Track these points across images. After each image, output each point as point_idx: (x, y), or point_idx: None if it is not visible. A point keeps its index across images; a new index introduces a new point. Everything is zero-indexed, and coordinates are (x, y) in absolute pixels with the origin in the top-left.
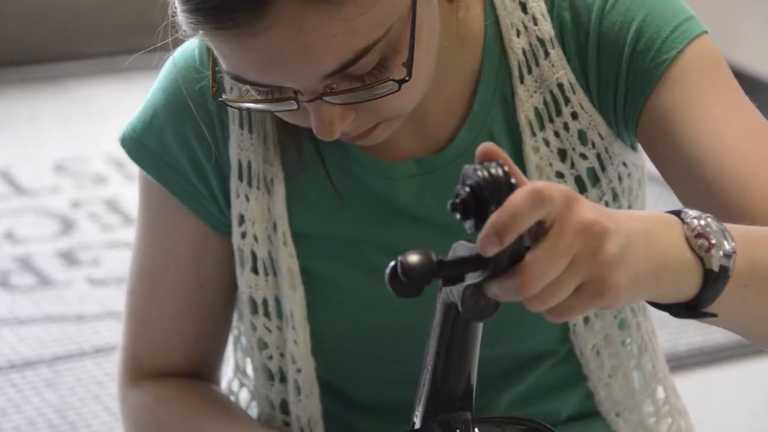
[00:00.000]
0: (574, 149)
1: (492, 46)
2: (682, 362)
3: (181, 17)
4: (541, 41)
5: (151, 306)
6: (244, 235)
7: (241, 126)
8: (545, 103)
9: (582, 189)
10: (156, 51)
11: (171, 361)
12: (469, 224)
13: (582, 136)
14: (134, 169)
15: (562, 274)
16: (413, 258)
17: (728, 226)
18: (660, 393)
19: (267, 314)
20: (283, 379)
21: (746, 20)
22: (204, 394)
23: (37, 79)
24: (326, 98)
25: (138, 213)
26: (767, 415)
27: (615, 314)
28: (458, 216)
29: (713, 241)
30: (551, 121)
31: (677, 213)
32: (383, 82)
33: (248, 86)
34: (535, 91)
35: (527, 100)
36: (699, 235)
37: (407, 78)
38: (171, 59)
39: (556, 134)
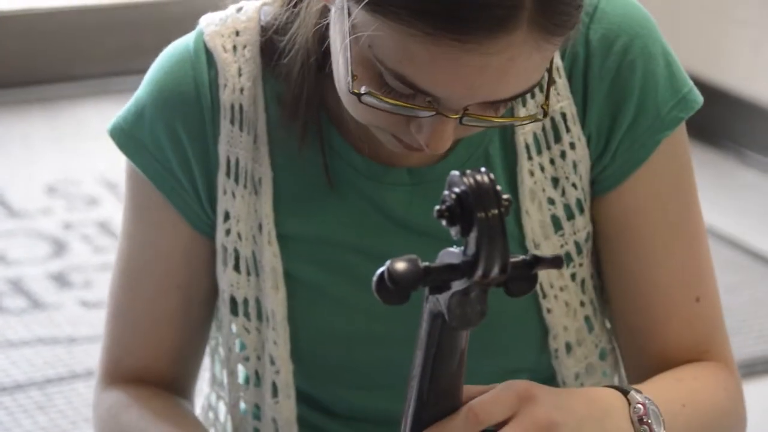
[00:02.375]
0: (567, 178)
1: None
2: None
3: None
4: (547, 69)
5: (132, 307)
6: (228, 232)
7: (232, 123)
8: (544, 129)
9: (570, 216)
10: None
11: (149, 365)
12: (455, 230)
13: (575, 167)
14: (125, 172)
15: None
16: (400, 265)
17: (654, 398)
18: None
19: (247, 314)
20: (258, 383)
21: (737, 44)
22: (167, 405)
23: (30, 100)
24: (465, 120)
25: (124, 208)
26: None
27: (596, 343)
28: (444, 222)
29: (654, 429)
30: (548, 147)
31: (625, 392)
32: (527, 119)
33: (386, 83)
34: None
35: (527, 125)
36: (642, 422)
37: (544, 117)
38: (163, 54)
39: (552, 161)
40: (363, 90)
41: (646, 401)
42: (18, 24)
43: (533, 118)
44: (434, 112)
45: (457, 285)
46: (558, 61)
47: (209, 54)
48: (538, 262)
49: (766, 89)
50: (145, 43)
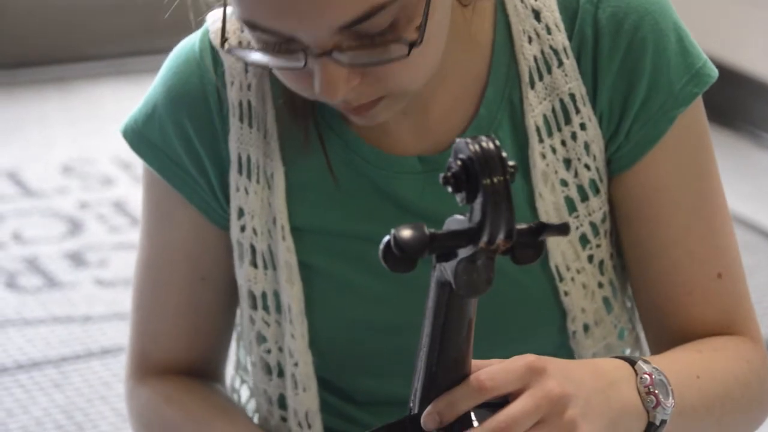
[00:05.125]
0: (579, 159)
1: (501, 50)
2: None
3: None
4: (555, 50)
5: (156, 300)
6: (243, 229)
7: (241, 120)
8: (554, 111)
9: (584, 198)
10: (164, 54)
11: (176, 355)
12: (460, 197)
13: (587, 147)
14: (141, 170)
15: (535, 428)
16: (406, 232)
17: (667, 369)
18: None
19: (266, 308)
20: (281, 374)
21: (750, 25)
22: (207, 396)
23: (46, 80)
24: (335, 54)
25: (142, 207)
26: None
27: (615, 323)
28: (450, 189)
29: (660, 399)
30: (559, 129)
31: (632, 363)
32: (394, 42)
33: (257, 36)
34: (545, 98)
35: (537, 106)
36: (649, 393)
37: (419, 42)
38: (172, 53)
39: (563, 143)
40: (227, 47)
41: (654, 371)
42: (34, 3)
43: (399, 38)
44: (300, 53)
45: (464, 252)
46: (565, 41)
47: (215, 52)
48: (544, 228)
49: None
50: (161, 22)
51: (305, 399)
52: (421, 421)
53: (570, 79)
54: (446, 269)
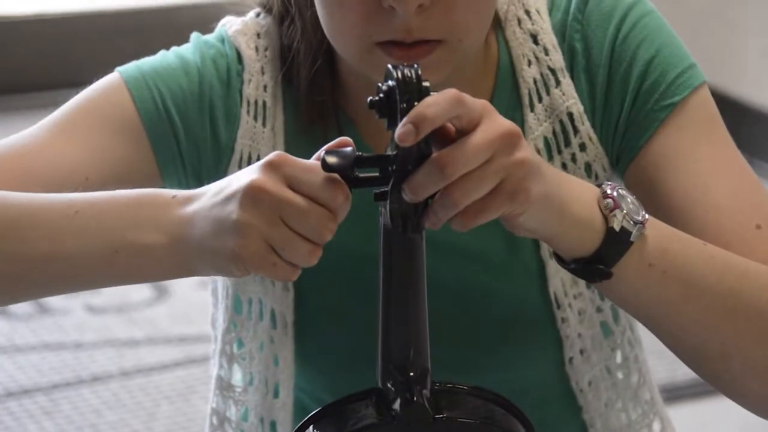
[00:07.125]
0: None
1: (505, 75)
2: (679, 393)
3: None
4: (553, 71)
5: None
6: None
7: (255, 118)
8: (554, 132)
9: None
10: None
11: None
12: (385, 122)
13: (588, 169)
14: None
15: (482, 167)
16: (333, 155)
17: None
18: (656, 425)
19: (250, 313)
20: (252, 382)
21: (745, 52)
22: None
23: (40, 106)
24: None
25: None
26: None
27: (612, 347)
28: (376, 114)
29: (620, 205)
30: (560, 152)
31: (599, 185)
32: None
33: None
34: (545, 120)
35: (537, 128)
36: (607, 197)
37: None
38: (200, 38)
39: (564, 166)
40: None
41: (620, 187)
42: (28, 29)
43: None
44: None
45: (393, 183)
46: (561, 60)
47: (236, 51)
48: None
49: None
50: (154, 48)
51: (285, 408)
52: (397, 137)
53: (567, 98)
54: (385, 208)
